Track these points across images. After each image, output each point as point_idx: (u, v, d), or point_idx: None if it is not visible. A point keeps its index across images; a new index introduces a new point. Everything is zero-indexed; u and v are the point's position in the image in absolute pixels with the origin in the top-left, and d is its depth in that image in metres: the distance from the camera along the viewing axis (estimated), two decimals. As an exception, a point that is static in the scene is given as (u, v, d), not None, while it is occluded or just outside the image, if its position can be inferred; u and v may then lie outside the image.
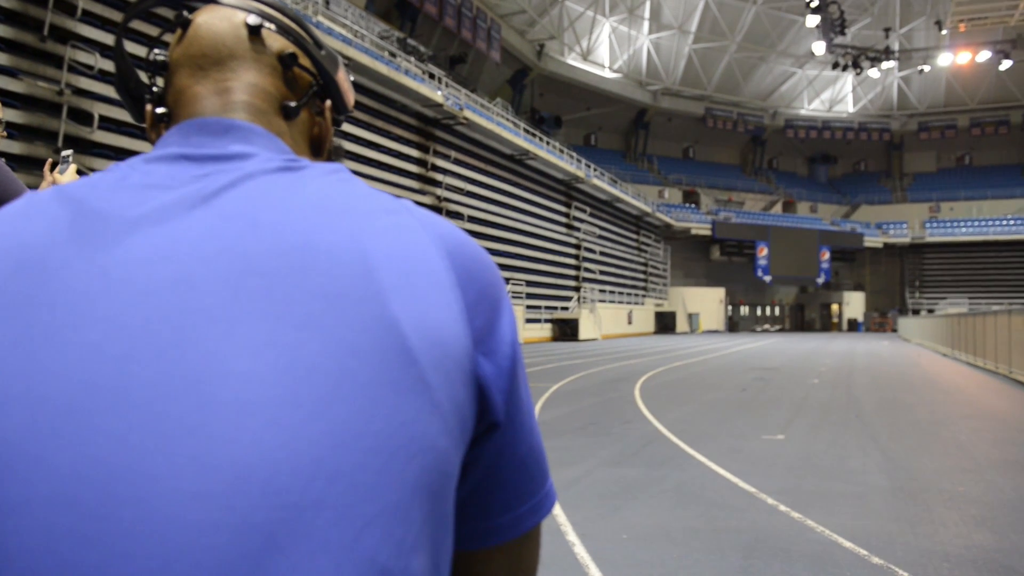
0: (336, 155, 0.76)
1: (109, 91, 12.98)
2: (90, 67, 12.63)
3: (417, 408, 0.48)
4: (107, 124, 12.68)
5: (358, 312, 0.48)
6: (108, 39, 10.38)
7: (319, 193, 0.54)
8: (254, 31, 0.64)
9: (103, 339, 0.45)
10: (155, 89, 0.66)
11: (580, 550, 3.16)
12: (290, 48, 0.66)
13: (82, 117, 12.49)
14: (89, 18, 12.76)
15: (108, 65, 12.70)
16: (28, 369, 0.44)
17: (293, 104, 0.65)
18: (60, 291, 0.46)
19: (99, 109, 12.63)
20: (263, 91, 0.63)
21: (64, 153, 1.97)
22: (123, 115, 12.96)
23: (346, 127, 20.16)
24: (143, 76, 0.69)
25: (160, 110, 0.64)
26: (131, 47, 0.74)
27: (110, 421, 0.42)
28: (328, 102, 0.71)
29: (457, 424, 0.50)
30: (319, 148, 0.71)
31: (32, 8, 12.05)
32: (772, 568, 2.93)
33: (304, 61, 0.67)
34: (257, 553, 0.41)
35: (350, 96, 0.74)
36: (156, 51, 0.67)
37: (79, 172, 1.95)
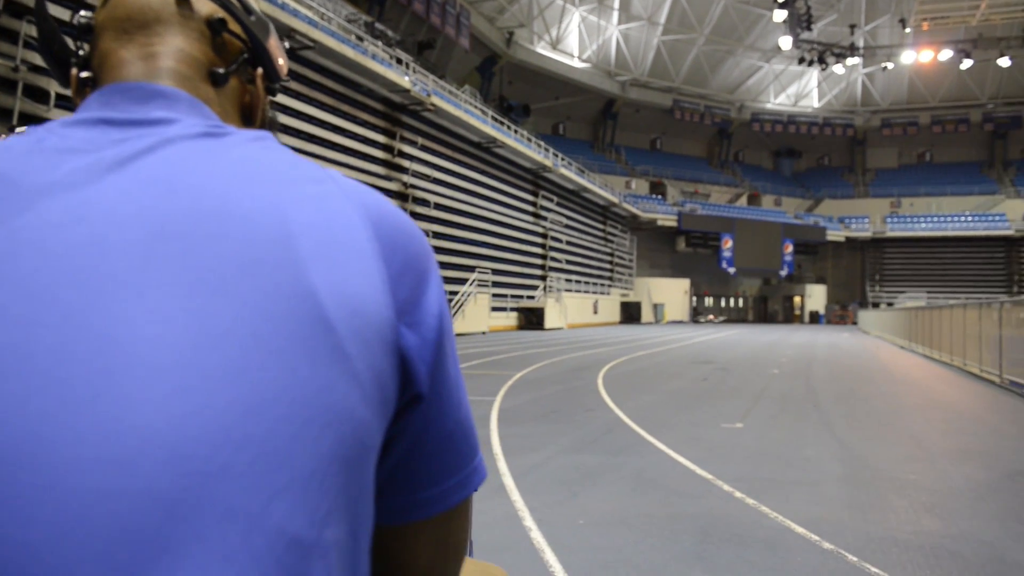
0: (271, 126, 0.74)
1: (66, 68, 12.66)
2: (46, 43, 12.29)
3: (334, 377, 0.47)
4: (64, 102, 12.37)
5: (274, 279, 0.47)
6: (65, 15, 10.11)
7: (240, 159, 0.53)
8: None
9: (7, 302, 0.43)
10: (81, 53, 0.63)
11: (536, 535, 3.16)
12: (219, 13, 0.64)
13: (38, 95, 12.17)
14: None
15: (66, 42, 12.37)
16: None
17: (222, 71, 0.63)
18: None
19: (55, 87, 12.30)
20: (190, 57, 0.61)
21: (19, 131, 1.89)
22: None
23: (310, 111, 19.92)
24: (69, 40, 0.66)
25: (85, 74, 0.62)
26: (58, 12, 0.71)
27: (11, 385, 0.41)
28: (260, 70, 0.69)
29: (377, 394, 0.50)
30: (250, 117, 0.69)
31: (-15, -19, 11.70)
32: (725, 553, 2.95)
33: (234, 27, 0.65)
34: (160, 520, 0.39)
35: (283, 64, 0.72)
36: (81, 13, 0.65)
37: None
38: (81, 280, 0.44)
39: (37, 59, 12.22)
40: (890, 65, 47.97)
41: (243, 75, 0.67)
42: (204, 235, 0.47)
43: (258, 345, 0.45)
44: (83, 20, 0.64)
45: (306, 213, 0.51)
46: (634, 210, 45.68)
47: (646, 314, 45.24)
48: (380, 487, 0.56)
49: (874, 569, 2.79)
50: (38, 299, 0.43)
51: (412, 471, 0.57)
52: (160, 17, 0.61)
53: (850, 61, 45.31)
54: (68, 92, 0.65)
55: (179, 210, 0.47)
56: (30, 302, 0.43)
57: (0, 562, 0.38)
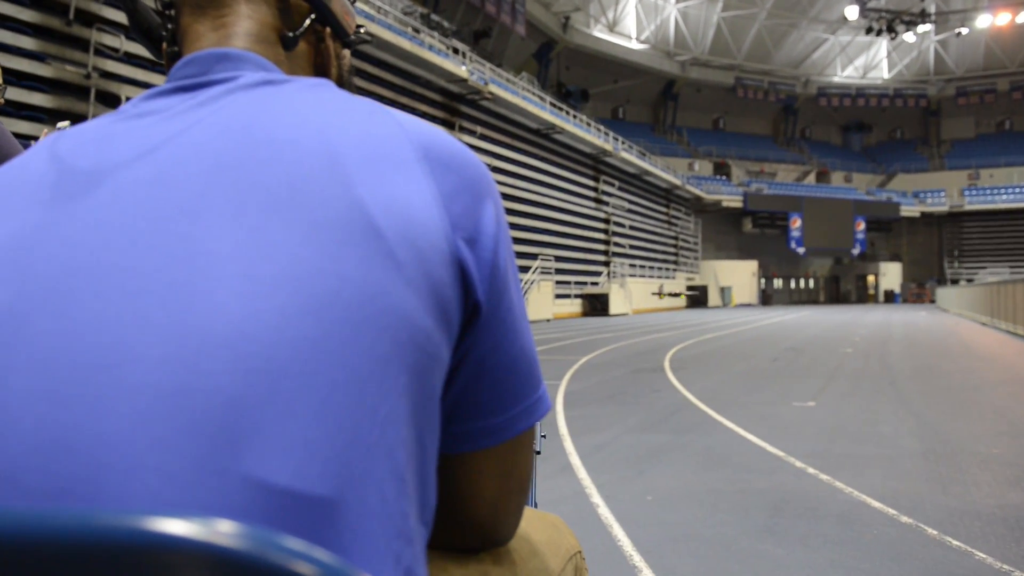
0: (348, 82, 0.79)
1: (136, 73, 13.09)
2: (116, 50, 12.73)
3: (387, 283, 0.48)
4: (135, 106, 12.80)
5: (322, 194, 0.50)
6: None
7: (293, 99, 0.57)
8: None
9: (81, 231, 0.49)
10: (169, 27, 0.69)
11: (604, 511, 3.14)
12: None
13: (110, 100, 12.61)
14: (114, 0, 12.84)
15: (134, 48, 12.78)
16: (9, 259, 0.49)
17: (291, 34, 0.67)
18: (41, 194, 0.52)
19: (126, 91, 12.74)
20: (259, 23, 0.66)
21: (60, 125, 1.97)
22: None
23: (372, 104, 20.15)
24: (157, 17, 0.72)
25: (174, 49, 0.68)
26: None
27: (87, 297, 0.46)
28: (328, 28, 0.72)
29: (435, 303, 0.51)
30: (324, 75, 0.73)
31: (58, -8, 12.16)
32: (798, 527, 2.89)
33: None
34: (222, 414, 0.42)
35: (349, 20, 0.75)
36: None
37: None
38: (145, 210, 0.49)
39: (108, 66, 12.67)
40: (964, 30, 45.99)
41: (313, 35, 0.71)
42: (255, 162, 0.51)
43: (310, 253, 0.47)
44: None
45: (352, 136, 0.54)
46: (698, 192, 44.95)
47: (713, 298, 44.53)
48: (447, 414, 0.58)
49: (955, 542, 2.69)
50: (107, 227, 0.49)
51: (478, 397, 0.58)
52: None
53: (921, 28, 43.59)
54: (163, 63, 0.71)
55: (232, 145, 0.52)
56: (101, 230, 0.49)
57: (80, 448, 0.42)
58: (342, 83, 0.76)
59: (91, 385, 0.43)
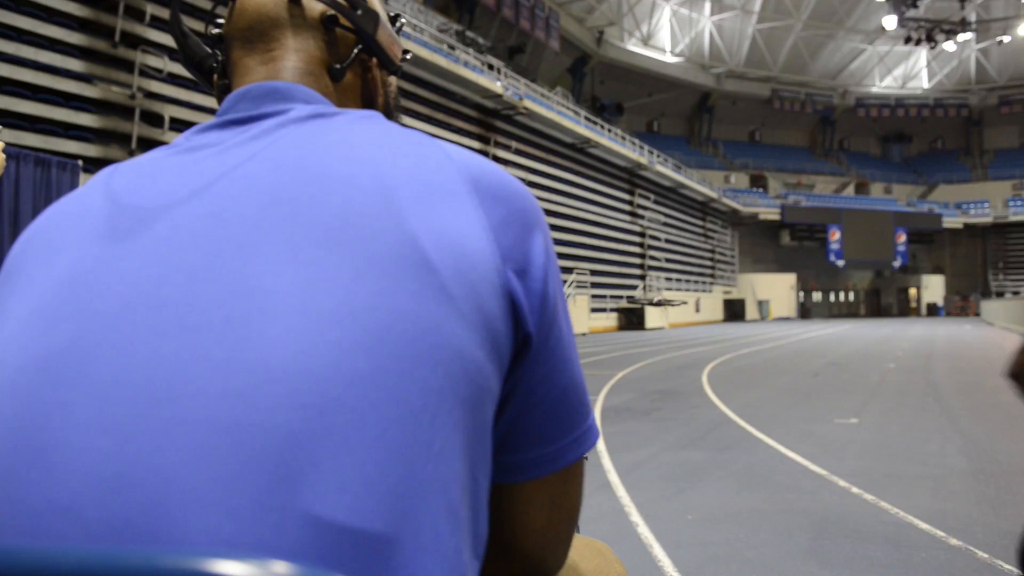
0: (395, 110, 0.79)
1: (179, 93, 13.37)
2: (159, 71, 13.02)
3: (440, 316, 0.48)
4: (177, 125, 13.05)
5: (375, 227, 0.50)
6: (198, 26, 10.69)
7: (345, 132, 0.57)
8: None
9: (138, 267, 0.49)
10: (220, 58, 0.71)
11: (644, 530, 3.11)
12: (330, 11, 0.69)
13: (154, 119, 12.89)
14: (158, 23, 13.14)
15: (177, 68, 13.06)
16: (70, 296, 0.49)
17: (338, 66, 0.68)
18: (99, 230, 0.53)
19: (170, 111, 13.01)
20: (307, 56, 0.67)
21: None
22: (192, 116, 13.33)
23: (406, 121, 20.34)
24: (208, 50, 0.75)
25: (225, 81, 0.70)
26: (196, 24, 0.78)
27: (145, 333, 0.46)
28: (375, 59, 0.73)
29: (487, 336, 0.51)
30: (371, 104, 0.74)
31: (104, 16, 12.48)
32: (843, 549, 2.83)
33: (345, 22, 0.70)
34: (279, 450, 0.42)
35: (395, 49, 0.76)
36: (213, 30, 0.72)
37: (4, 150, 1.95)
38: (202, 245, 0.49)
39: (153, 86, 12.97)
40: (1006, 38, 45.04)
41: (360, 66, 0.72)
42: (308, 197, 0.51)
43: (364, 287, 0.47)
44: (215, 32, 0.72)
45: (404, 169, 0.54)
46: (734, 205, 44.52)
47: (751, 311, 43.98)
48: (498, 444, 0.57)
49: (1007, 566, 2.62)
50: (165, 263, 0.49)
51: (529, 427, 0.58)
52: (277, 22, 0.67)
53: (961, 37, 42.68)
54: (213, 94, 0.73)
55: (286, 180, 0.52)
56: (158, 266, 0.49)
57: (141, 483, 0.42)
58: (389, 111, 0.77)
59: (151, 420, 0.43)
